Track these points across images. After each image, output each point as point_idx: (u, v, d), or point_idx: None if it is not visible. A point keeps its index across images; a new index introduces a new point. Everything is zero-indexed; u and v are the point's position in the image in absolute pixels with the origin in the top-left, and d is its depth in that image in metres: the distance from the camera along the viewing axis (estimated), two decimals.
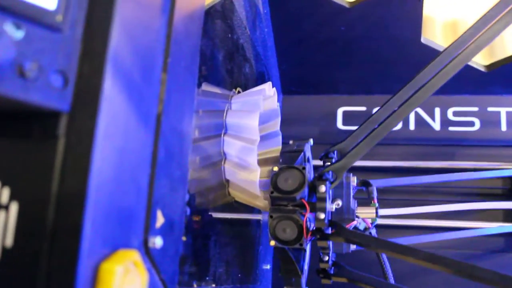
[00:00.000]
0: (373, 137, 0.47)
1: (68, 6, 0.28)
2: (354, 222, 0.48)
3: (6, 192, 0.27)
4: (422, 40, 0.67)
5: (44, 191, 0.27)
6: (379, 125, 0.47)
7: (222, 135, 0.46)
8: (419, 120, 0.73)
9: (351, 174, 0.51)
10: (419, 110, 0.73)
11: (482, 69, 0.70)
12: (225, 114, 0.47)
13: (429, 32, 1.37)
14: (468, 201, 0.64)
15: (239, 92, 0.51)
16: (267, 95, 0.49)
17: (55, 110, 0.27)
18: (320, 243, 0.47)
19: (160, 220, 0.33)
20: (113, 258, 0.27)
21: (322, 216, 0.44)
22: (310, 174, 0.47)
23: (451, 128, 0.72)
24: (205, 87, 0.48)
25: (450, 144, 0.71)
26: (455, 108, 0.72)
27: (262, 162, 0.48)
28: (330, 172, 0.47)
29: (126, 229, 0.30)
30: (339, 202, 0.48)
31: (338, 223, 0.45)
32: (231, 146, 0.45)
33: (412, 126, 0.73)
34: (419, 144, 0.72)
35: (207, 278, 0.44)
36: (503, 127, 0.71)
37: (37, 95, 0.26)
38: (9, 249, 0.26)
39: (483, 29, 0.45)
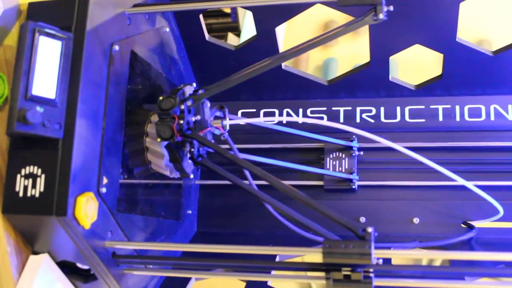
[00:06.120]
0: (221, 84, 0.74)
1: (59, 94, 0.68)
2: (208, 129, 0.76)
3: (39, 170, 0.68)
4: (283, 67, 1.07)
5: (55, 169, 0.67)
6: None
7: (145, 137, 0.87)
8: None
9: (208, 100, 0.78)
10: (290, 110, 1.14)
11: (325, 83, 1.10)
12: (146, 125, 0.88)
13: None
14: None
15: None
16: None
17: (57, 138, 0.67)
18: (184, 139, 0.74)
19: (105, 180, 0.73)
20: (82, 195, 0.66)
21: (181, 121, 0.73)
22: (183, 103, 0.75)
23: (309, 120, 1.11)
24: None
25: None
26: (311, 108, 1.13)
27: None
28: (191, 100, 0.76)
29: (88, 183, 0.69)
30: (198, 117, 0.75)
31: (193, 129, 0.74)
32: (148, 143, 0.87)
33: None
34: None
35: (136, 210, 0.85)
36: (341, 119, 1.12)
37: (50, 133, 0.66)
38: (42, 192, 0.67)
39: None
